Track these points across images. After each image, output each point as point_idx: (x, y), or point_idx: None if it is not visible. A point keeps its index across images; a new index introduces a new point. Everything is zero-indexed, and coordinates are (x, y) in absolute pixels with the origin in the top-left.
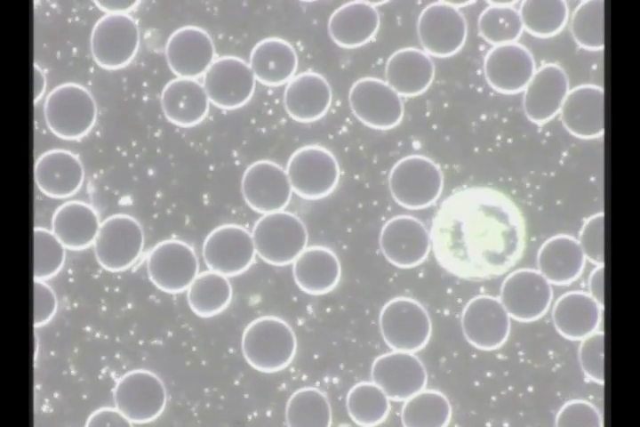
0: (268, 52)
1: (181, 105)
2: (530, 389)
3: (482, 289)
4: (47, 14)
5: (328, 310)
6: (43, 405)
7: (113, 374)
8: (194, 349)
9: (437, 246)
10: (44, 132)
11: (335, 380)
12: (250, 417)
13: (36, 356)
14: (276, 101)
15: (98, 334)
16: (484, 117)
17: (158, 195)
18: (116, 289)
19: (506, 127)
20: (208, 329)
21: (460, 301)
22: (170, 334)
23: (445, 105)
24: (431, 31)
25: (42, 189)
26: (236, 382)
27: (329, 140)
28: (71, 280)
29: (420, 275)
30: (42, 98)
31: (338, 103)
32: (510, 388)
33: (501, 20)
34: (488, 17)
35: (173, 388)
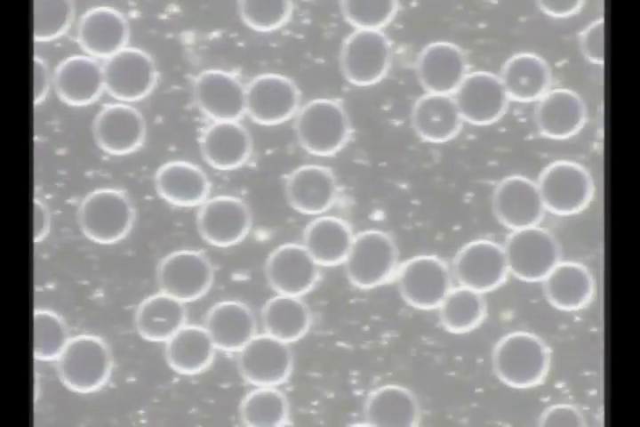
0: (519, 67)
1: (435, 120)
2: None
3: None
4: (298, 29)
5: (580, 326)
6: (291, 421)
7: (362, 390)
8: (443, 363)
9: None
10: (296, 148)
11: (594, 394)
12: None
13: (289, 373)
14: (528, 117)
15: (346, 348)
16: None
17: (410, 209)
18: (365, 303)
19: None
20: (457, 345)
21: None
22: (418, 349)
23: None
24: None
25: (294, 206)
26: (485, 396)
27: (580, 155)
28: (321, 296)
29: None
30: (294, 115)
31: (588, 119)
32: None
33: None
34: None
35: (424, 403)
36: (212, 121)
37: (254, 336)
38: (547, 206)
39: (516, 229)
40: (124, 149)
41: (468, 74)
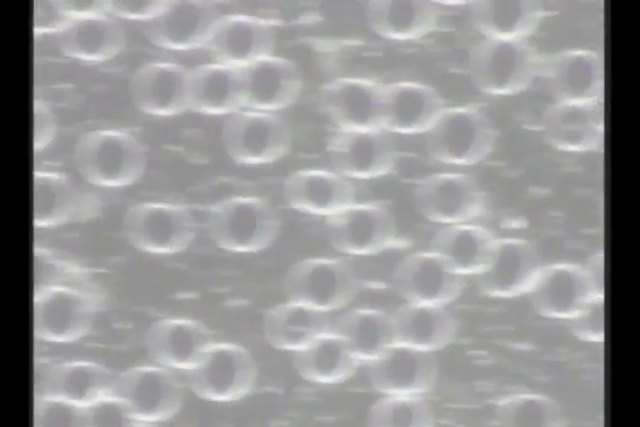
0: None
1: (572, 128)
2: None
3: None
4: (435, 37)
5: None
6: None
7: (499, 399)
8: (580, 372)
9: None
10: (433, 156)
11: None
12: None
13: (425, 382)
14: None
15: (483, 356)
16: None
17: (547, 217)
18: (501, 312)
19: None
20: (595, 353)
21: None
22: (556, 358)
23: None
24: None
25: (430, 214)
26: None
27: None
28: (457, 305)
29: None
30: (431, 123)
31: None
32: None
33: None
34: None
35: (561, 412)
36: (349, 129)
37: (390, 345)
38: None
39: None
40: (259, 158)
41: (602, 81)
